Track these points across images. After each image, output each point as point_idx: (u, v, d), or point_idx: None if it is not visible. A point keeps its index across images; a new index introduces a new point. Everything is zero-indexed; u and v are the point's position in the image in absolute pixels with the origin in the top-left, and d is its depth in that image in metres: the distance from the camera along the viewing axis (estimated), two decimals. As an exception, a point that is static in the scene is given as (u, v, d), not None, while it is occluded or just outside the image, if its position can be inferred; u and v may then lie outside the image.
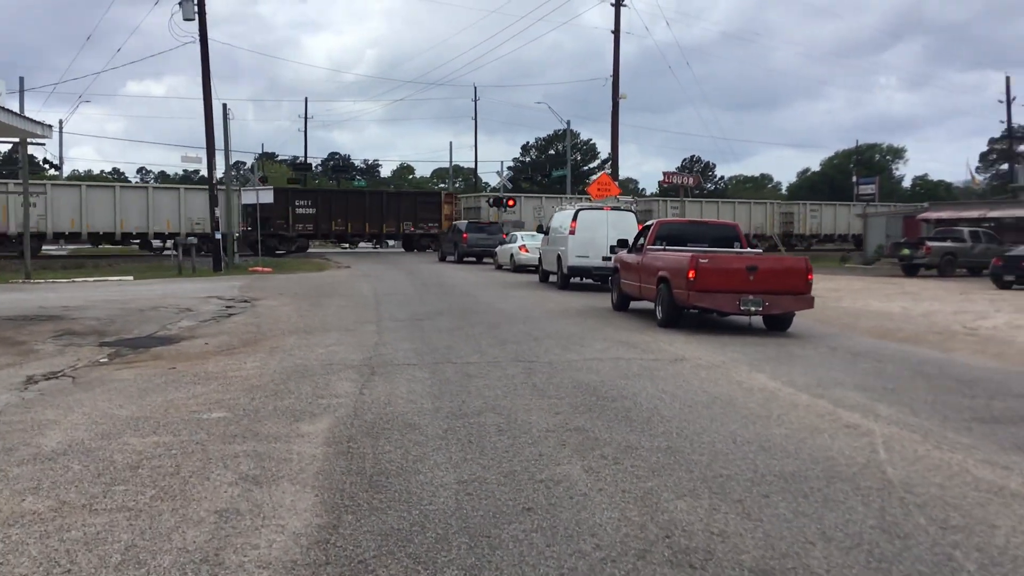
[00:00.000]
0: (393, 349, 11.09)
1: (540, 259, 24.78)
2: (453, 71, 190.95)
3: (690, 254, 13.05)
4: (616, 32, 38.90)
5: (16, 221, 36.60)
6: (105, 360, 10.65)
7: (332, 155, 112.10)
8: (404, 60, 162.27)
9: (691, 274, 12.66)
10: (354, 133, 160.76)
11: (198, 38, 29.48)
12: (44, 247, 40.28)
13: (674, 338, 12.36)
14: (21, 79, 24.61)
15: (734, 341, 12.19)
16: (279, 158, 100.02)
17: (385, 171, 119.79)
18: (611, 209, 22.15)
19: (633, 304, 16.32)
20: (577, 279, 22.14)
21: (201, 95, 30.47)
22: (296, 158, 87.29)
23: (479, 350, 10.97)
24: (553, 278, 23.47)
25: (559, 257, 21.90)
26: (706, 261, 12.75)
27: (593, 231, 21.05)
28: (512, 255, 30.09)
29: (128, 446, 6.24)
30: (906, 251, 32.21)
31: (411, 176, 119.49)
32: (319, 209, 44.61)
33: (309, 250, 47.16)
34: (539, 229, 25.76)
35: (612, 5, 38.90)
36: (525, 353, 10.74)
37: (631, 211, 22.21)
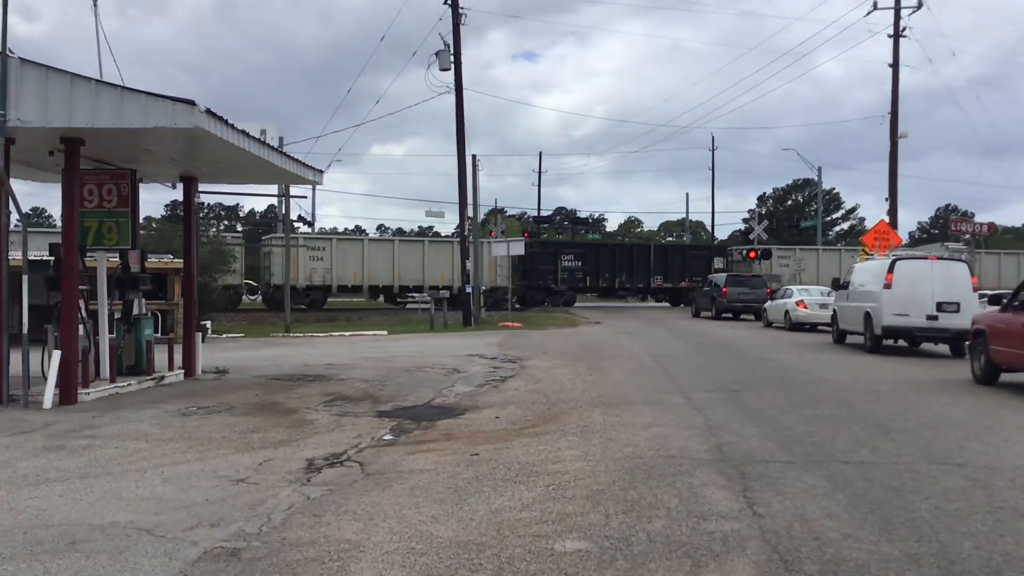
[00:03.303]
0: (736, 435, 8.51)
1: (835, 316, 21.30)
2: (679, 127, 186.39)
3: None
4: (895, 66, 34.88)
5: (305, 273, 38.28)
6: (389, 437, 8.87)
7: (559, 209, 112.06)
8: (631, 116, 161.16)
9: None
10: (578, 188, 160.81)
11: (453, 87, 29.17)
12: (328, 299, 42.04)
13: None
14: (280, 139, 25.25)
15: None
16: (508, 213, 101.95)
17: (612, 224, 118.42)
18: (936, 259, 18.45)
19: (1004, 376, 12.79)
20: (890, 341, 18.58)
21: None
22: (524, 213, 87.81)
23: (861, 441, 8.16)
24: (853, 339, 20.03)
25: (868, 315, 18.43)
26: None
27: (914, 285, 17.53)
28: (787, 311, 26.62)
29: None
30: None
31: (638, 229, 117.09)
32: (586, 262, 43.28)
33: (576, 304, 45.95)
34: (835, 284, 22.27)
35: (889, 37, 35.09)
36: (932, 449, 7.81)
37: (962, 260, 18.43)
